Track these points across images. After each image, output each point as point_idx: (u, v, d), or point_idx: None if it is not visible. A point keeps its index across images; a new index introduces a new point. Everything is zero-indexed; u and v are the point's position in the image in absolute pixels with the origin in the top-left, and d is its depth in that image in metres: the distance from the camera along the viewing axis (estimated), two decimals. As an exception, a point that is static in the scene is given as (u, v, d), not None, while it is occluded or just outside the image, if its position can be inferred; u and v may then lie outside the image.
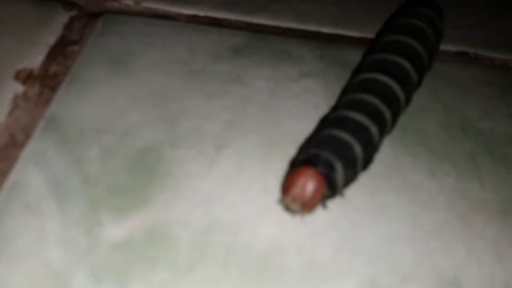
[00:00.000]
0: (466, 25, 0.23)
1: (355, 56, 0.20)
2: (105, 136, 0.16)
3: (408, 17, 0.18)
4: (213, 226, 0.14)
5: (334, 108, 0.16)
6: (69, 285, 0.12)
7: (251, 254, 0.13)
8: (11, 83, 0.17)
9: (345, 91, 0.17)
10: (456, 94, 0.20)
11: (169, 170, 0.15)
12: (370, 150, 0.14)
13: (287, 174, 0.13)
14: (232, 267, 0.13)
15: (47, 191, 0.14)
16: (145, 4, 0.22)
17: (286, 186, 0.13)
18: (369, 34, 0.22)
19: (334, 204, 0.15)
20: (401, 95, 0.16)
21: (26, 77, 0.18)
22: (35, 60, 0.18)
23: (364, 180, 0.16)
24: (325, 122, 0.15)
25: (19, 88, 0.17)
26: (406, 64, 0.16)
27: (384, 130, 0.15)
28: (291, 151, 0.16)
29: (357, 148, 0.14)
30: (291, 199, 0.13)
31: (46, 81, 0.18)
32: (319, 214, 0.14)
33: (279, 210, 0.14)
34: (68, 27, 0.20)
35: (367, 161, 0.14)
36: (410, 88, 0.16)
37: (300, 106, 0.18)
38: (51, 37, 0.19)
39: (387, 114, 0.15)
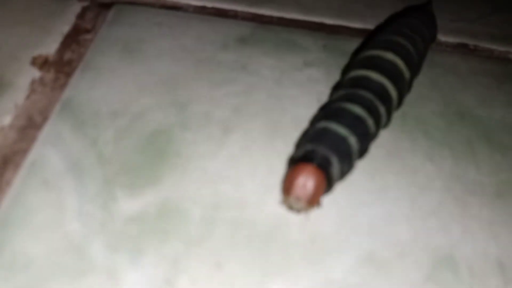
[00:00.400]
0: (467, 18, 0.24)
1: (356, 47, 0.21)
2: (118, 119, 0.17)
3: (397, 25, 0.19)
4: (221, 203, 0.15)
5: (330, 100, 0.16)
6: (86, 254, 0.13)
7: (256, 229, 0.14)
8: (28, 69, 0.18)
9: (339, 84, 0.17)
10: (455, 83, 0.20)
11: (179, 151, 0.16)
12: (365, 141, 0.15)
13: (287, 173, 0.13)
14: (239, 240, 0.14)
15: (64, 169, 0.15)
16: (154, -5, 0.22)
17: (288, 186, 0.13)
18: (370, 26, 0.23)
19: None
20: (394, 93, 0.16)
21: (42, 63, 0.18)
22: (50, 47, 0.19)
23: (365, 163, 0.16)
24: (321, 115, 0.15)
25: (35, 73, 0.18)
26: (399, 62, 0.17)
27: (379, 123, 0.15)
28: (294, 134, 0.17)
29: (352, 140, 0.14)
30: (295, 199, 0.13)
31: (61, 67, 0.18)
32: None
33: (283, 189, 0.15)
34: (80, 16, 0.21)
35: (362, 152, 0.15)
36: (402, 87, 0.17)
37: (304, 93, 0.19)
38: (65, 26, 0.20)
39: (382, 109, 0.15)
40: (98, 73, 0.18)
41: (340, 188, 0.15)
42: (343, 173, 0.14)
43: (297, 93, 0.19)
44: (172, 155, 0.16)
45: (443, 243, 0.15)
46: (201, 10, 0.22)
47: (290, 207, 0.13)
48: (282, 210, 0.15)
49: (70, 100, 0.17)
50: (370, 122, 0.15)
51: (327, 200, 0.15)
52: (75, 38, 0.20)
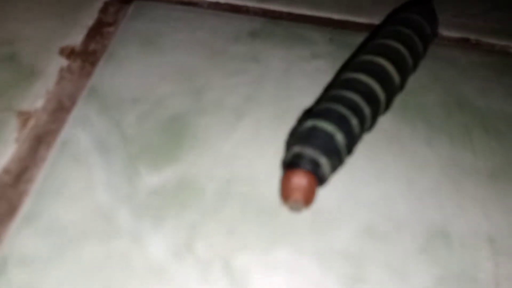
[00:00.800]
0: (469, 13, 0.26)
1: (362, 40, 0.23)
2: (139, 104, 0.19)
3: (397, 23, 0.20)
4: (233, 179, 0.16)
5: (318, 102, 0.17)
6: (113, 221, 0.15)
7: (265, 202, 0.16)
8: (57, 58, 0.20)
9: (328, 87, 0.19)
10: (455, 75, 0.22)
11: (195, 133, 0.18)
12: (351, 139, 0.16)
13: (282, 180, 0.15)
14: (249, 212, 0.16)
15: (92, 147, 0.17)
16: (171, -8, 0.24)
17: (285, 193, 0.14)
18: (376, 21, 0.24)
19: (339, 164, 0.17)
20: (382, 96, 0.17)
21: (69, 53, 0.20)
22: (76, 39, 0.21)
23: (366, 146, 0.18)
24: (308, 114, 0.16)
25: (64, 62, 0.20)
26: (389, 66, 0.17)
27: (363, 124, 0.16)
28: (302, 120, 0.19)
29: (339, 137, 0.15)
30: (294, 203, 0.14)
31: (86, 57, 0.20)
32: (326, 173, 0.17)
33: (290, 168, 0.17)
34: (103, 11, 0.23)
35: (350, 148, 0.16)
36: (392, 88, 0.18)
37: (311, 83, 0.21)
38: (89, 20, 0.22)
39: (367, 110, 0.16)
40: (120, 63, 0.20)
41: (343, 169, 0.17)
42: (334, 168, 0.15)
43: (304, 83, 0.20)
44: (189, 137, 0.18)
45: (437, 219, 0.16)
46: (215, 6, 0.24)
47: (292, 209, 0.15)
48: (289, 187, 0.16)
49: (95, 87, 0.19)
50: (354, 122, 0.16)
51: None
52: (98, 31, 0.22)
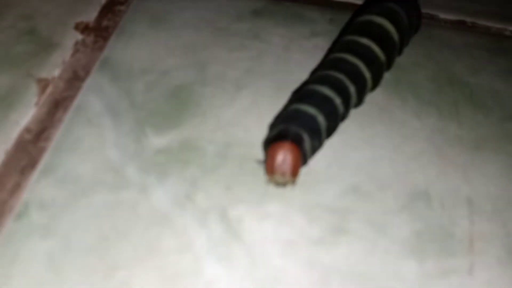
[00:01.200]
0: (466, -4, 0.27)
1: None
2: (147, 75, 0.21)
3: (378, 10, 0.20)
4: (232, 142, 0.18)
5: (304, 84, 0.18)
6: (122, 175, 0.17)
7: (260, 163, 0.18)
8: (72, 32, 0.22)
9: (316, 69, 0.19)
10: (449, 55, 0.23)
11: (198, 102, 0.20)
12: (334, 119, 0.17)
13: (267, 155, 0.15)
14: (245, 171, 0.17)
15: (103, 111, 0.19)
16: (179, -27, 0.26)
17: (270, 166, 0.15)
18: (375, 2, 0.25)
19: (330, 131, 0.19)
20: (367, 74, 0.18)
21: (83, 28, 0.22)
22: (90, 15, 0.23)
23: (357, 116, 0.20)
24: (293, 98, 0.17)
25: (78, 36, 0.22)
26: (374, 45, 0.18)
27: (348, 102, 0.17)
28: (298, 92, 0.20)
29: (320, 118, 0.16)
30: (280, 175, 0.15)
31: (99, 32, 0.22)
32: (318, 139, 0.19)
33: (285, 134, 0.19)
34: (115, -10, 0.25)
35: (330, 130, 0.17)
36: (377, 68, 0.18)
37: (309, 58, 0.22)
38: (102, -2, 0.24)
39: (352, 89, 0.17)
40: (130, 38, 0.22)
41: (334, 135, 0.19)
42: (314, 149, 0.16)
43: (303, 58, 0.22)
44: (192, 105, 0.20)
45: (420, 182, 0.18)
46: (220, -13, 0.26)
47: (277, 184, 0.16)
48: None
49: (107, 59, 0.21)
50: (338, 101, 0.17)
51: (322, 144, 0.18)
52: (111, 9, 0.24)
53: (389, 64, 0.20)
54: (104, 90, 0.20)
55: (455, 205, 0.17)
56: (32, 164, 0.17)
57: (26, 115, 0.18)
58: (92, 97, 0.19)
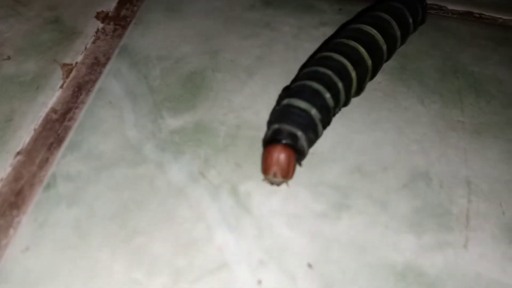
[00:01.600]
0: (475, -12, 0.28)
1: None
2: (163, 61, 0.22)
3: (379, 10, 0.21)
4: (242, 125, 0.20)
5: (294, 80, 0.19)
6: (141, 152, 0.19)
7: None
8: (93, 21, 0.24)
9: (304, 65, 0.20)
10: (455, 44, 0.24)
11: (211, 86, 0.21)
12: (326, 112, 0.17)
13: (262, 155, 0.17)
14: (255, 151, 0.19)
15: (123, 94, 0.21)
16: (194, -35, 0.28)
17: (265, 167, 0.16)
18: (383, -7, 0.27)
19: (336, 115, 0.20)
20: (353, 73, 0.19)
21: (103, 17, 0.24)
22: (110, 5, 0.25)
23: (362, 101, 0.21)
24: (284, 94, 0.18)
25: (99, 25, 0.24)
26: (361, 48, 0.19)
27: (338, 98, 0.18)
28: (306, 78, 0.22)
29: (313, 111, 0.17)
30: (273, 175, 0.16)
31: (118, 21, 0.24)
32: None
33: (293, 117, 0.20)
34: (133, -18, 0.26)
35: (324, 122, 0.17)
36: (363, 69, 0.19)
37: (318, 47, 0.23)
38: (121, -11, 0.26)
39: (340, 84, 0.18)
40: (147, 27, 0.24)
41: (339, 119, 0.20)
42: (311, 141, 0.17)
43: (312, 47, 0.23)
44: (205, 89, 0.21)
45: (421, 163, 0.19)
46: (233, -22, 0.27)
47: (271, 183, 0.17)
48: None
49: (126, 46, 0.23)
50: (327, 95, 0.17)
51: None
52: (129, -1, 0.25)
53: (374, 71, 0.20)
54: (123, 75, 0.21)
55: (454, 185, 0.18)
56: (58, 141, 0.19)
57: (52, 97, 0.20)
58: (112, 81, 0.21)
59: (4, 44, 0.22)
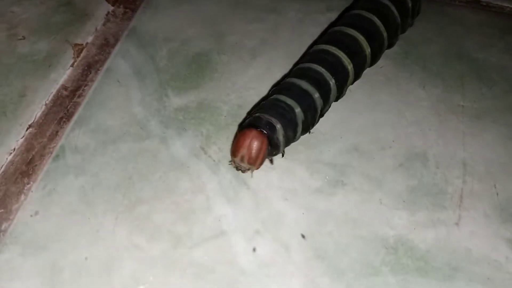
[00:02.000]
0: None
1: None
2: (170, 43, 0.23)
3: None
4: (244, 104, 0.21)
5: (285, 77, 0.19)
6: (146, 127, 0.20)
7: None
8: (104, 4, 0.25)
9: (297, 63, 0.20)
10: (460, 31, 0.25)
11: (215, 68, 0.22)
12: (313, 112, 0.17)
13: (235, 137, 0.16)
14: (256, 129, 0.20)
15: (131, 73, 0.22)
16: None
17: (234, 148, 0.16)
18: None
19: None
20: (349, 66, 0.18)
21: (114, 0, 0.25)
22: (120, -11, 0.26)
23: (364, 84, 0.22)
24: (274, 90, 0.18)
25: (109, 8, 0.25)
26: (359, 37, 0.19)
27: (328, 95, 0.18)
28: (309, 61, 0.22)
29: (298, 110, 0.17)
30: (240, 159, 0.16)
31: (128, 5, 0.25)
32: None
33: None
34: (144, -33, 0.27)
35: (309, 123, 0.17)
36: (359, 61, 0.19)
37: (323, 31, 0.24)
38: (132, -26, 0.27)
39: (332, 82, 0.18)
40: (156, 10, 0.25)
41: (341, 100, 0.21)
42: (289, 140, 0.17)
43: (317, 31, 0.24)
44: (210, 70, 0.22)
45: (419, 144, 0.20)
46: (241, -36, 0.28)
47: (237, 168, 0.17)
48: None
49: (135, 28, 0.24)
50: (316, 95, 0.17)
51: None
52: (139, -17, 0.26)
53: (373, 59, 0.20)
54: (131, 55, 0.23)
55: (450, 166, 0.19)
56: (68, 116, 0.20)
57: (63, 75, 0.22)
58: (120, 61, 0.22)
59: (19, 25, 0.24)
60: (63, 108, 0.20)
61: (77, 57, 0.22)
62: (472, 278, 0.16)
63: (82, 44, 0.23)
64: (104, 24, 0.24)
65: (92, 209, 0.17)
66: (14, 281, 0.15)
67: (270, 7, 0.25)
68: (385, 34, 0.21)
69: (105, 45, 0.23)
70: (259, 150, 0.15)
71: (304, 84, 0.17)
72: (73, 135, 0.19)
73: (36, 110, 0.20)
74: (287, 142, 0.17)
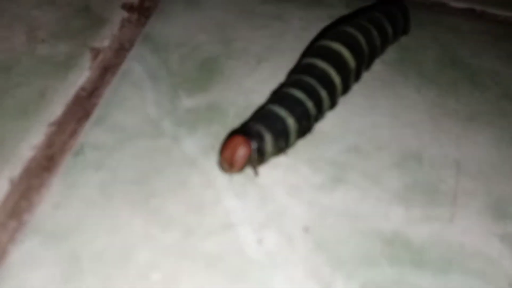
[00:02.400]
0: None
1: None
2: (181, 48, 0.24)
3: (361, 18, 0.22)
4: (250, 106, 0.21)
5: (281, 86, 0.20)
6: (159, 126, 0.20)
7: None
8: (119, 11, 0.26)
9: (291, 73, 0.21)
10: (454, 38, 0.26)
11: (223, 72, 0.23)
12: (306, 121, 0.18)
13: (223, 140, 0.17)
14: (262, 129, 0.21)
15: (145, 77, 0.23)
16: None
17: (221, 149, 0.17)
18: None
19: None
20: (337, 79, 0.19)
21: (128, 7, 0.26)
22: (134, -3, 0.27)
23: (361, 89, 0.22)
24: (268, 99, 0.19)
25: (125, 14, 0.26)
26: (345, 51, 0.20)
27: (321, 105, 0.18)
28: (312, 66, 0.23)
29: (290, 121, 0.17)
30: (222, 160, 0.17)
31: (142, 12, 0.26)
32: (326, 106, 0.21)
33: (298, 101, 0.22)
34: (156, -24, 0.28)
35: (303, 131, 0.18)
36: (347, 74, 0.20)
37: (324, 39, 0.25)
38: (145, -18, 0.28)
39: (323, 93, 0.19)
40: (168, 17, 0.26)
41: (340, 103, 0.22)
42: (280, 149, 0.18)
43: (318, 38, 0.25)
44: (218, 74, 0.23)
45: (414, 145, 0.20)
46: (248, -26, 0.29)
47: (221, 166, 0.18)
48: (295, 115, 0.21)
49: (148, 34, 0.25)
50: (310, 104, 0.18)
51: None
52: (152, -9, 0.27)
53: (358, 74, 0.21)
54: (145, 59, 0.23)
55: (444, 165, 0.20)
56: (86, 115, 0.21)
57: (81, 76, 0.22)
58: (135, 64, 0.23)
59: (40, 28, 0.25)
60: (82, 108, 0.21)
61: (94, 60, 0.23)
62: (466, 271, 0.17)
63: (99, 48, 0.24)
64: (119, 30, 0.25)
65: (110, 201, 0.18)
66: (36, 269, 0.16)
67: (275, 15, 0.26)
68: (366, 51, 0.21)
69: (121, 49, 0.24)
70: (240, 156, 0.16)
71: (297, 93, 0.18)
72: (92, 133, 0.20)
73: (56, 109, 0.21)
74: (279, 151, 0.18)
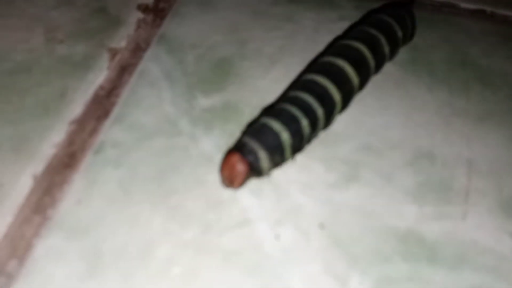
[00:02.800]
0: (487, -12, 0.29)
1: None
2: (196, 49, 0.24)
3: (366, 25, 0.21)
4: (264, 106, 0.22)
5: (277, 101, 0.20)
6: (176, 126, 0.21)
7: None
8: (135, 12, 0.26)
9: (289, 88, 0.20)
10: (465, 39, 0.26)
11: (238, 73, 0.23)
12: (299, 139, 0.18)
13: (223, 157, 0.18)
14: (276, 128, 0.21)
15: (161, 77, 0.23)
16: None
17: (220, 167, 0.17)
18: (399, -9, 0.28)
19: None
20: (337, 96, 0.19)
21: (144, 9, 0.26)
22: (150, -2, 0.27)
23: (373, 89, 0.22)
24: (264, 113, 0.19)
25: (140, 15, 0.26)
26: (348, 67, 0.19)
27: (316, 125, 0.18)
28: (324, 66, 0.23)
29: (285, 136, 0.17)
30: (222, 178, 0.17)
31: (157, 13, 0.26)
32: (339, 106, 0.22)
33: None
34: (170, -22, 0.29)
35: (296, 148, 0.18)
36: (348, 89, 0.19)
37: (336, 39, 0.25)
38: (160, -16, 0.28)
39: (320, 111, 0.18)
40: (182, 18, 0.26)
41: (353, 103, 0.22)
42: (276, 163, 0.17)
43: (330, 39, 0.25)
44: (233, 74, 0.23)
45: (426, 145, 0.20)
46: (261, -24, 0.29)
47: (222, 183, 0.18)
48: (309, 114, 0.21)
49: (163, 35, 0.25)
50: (304, 122, 0.18)
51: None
52: (166, -7, 0.28)
53: (361, 86, 0.20)
54: (161, 60, 0.24)
55: (456, 164, 0.20)
56: (105, 114, 0.21)
57: (100, 76, 0.23)
58: (152, 64, 0.23)
59: (58, 29, 0.25)
60: (101, 107, 0.21)
61: (112, 60, 0.24)
62: (478, 268, 0.17)
63: (116, 48, 0.24)
64: (135, 30, 0.25)
65: (130, 198, 0.18)
66: (60, 264, 0.17)
67: (287, 16, 0.26)
68: (372, 64, 0.20)
69: (137, 50, 0.24)
70: (238, 174, 0.17)
71: (293, 110, 0.18)
72: (111, 132, 0.20)
73: (76, 108, 0.21)
74: (276, 165, 0.18)
